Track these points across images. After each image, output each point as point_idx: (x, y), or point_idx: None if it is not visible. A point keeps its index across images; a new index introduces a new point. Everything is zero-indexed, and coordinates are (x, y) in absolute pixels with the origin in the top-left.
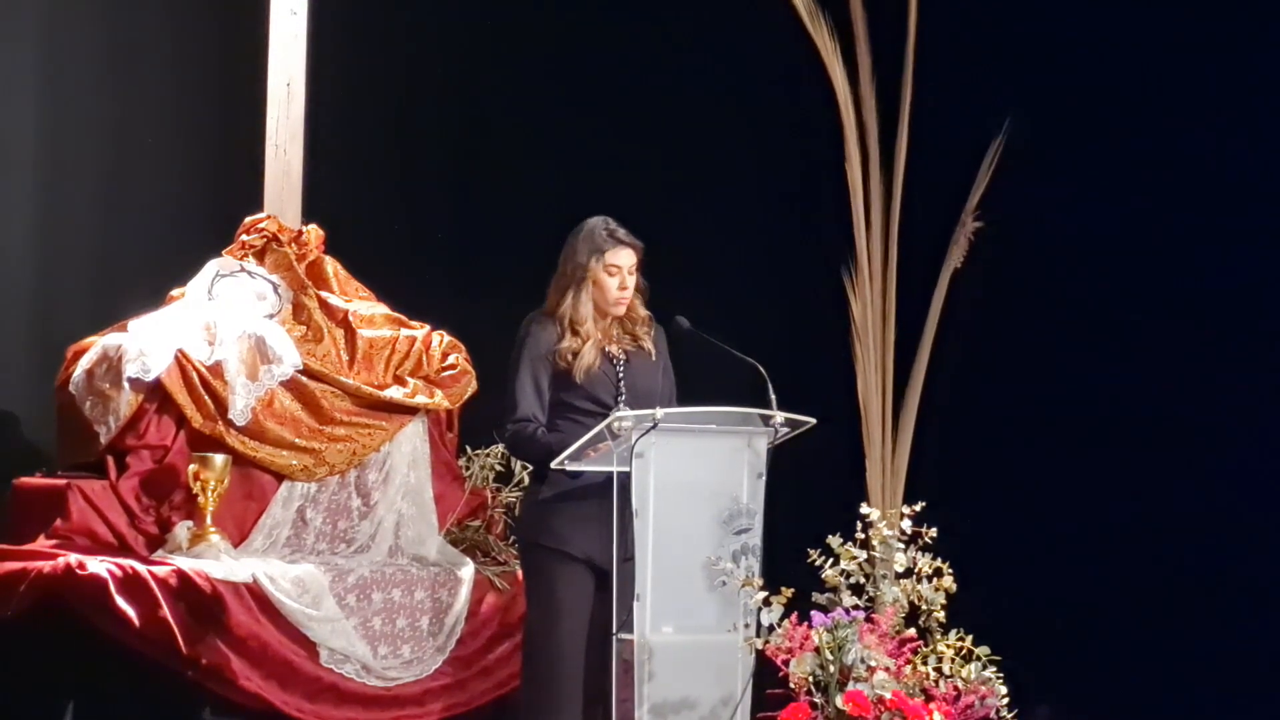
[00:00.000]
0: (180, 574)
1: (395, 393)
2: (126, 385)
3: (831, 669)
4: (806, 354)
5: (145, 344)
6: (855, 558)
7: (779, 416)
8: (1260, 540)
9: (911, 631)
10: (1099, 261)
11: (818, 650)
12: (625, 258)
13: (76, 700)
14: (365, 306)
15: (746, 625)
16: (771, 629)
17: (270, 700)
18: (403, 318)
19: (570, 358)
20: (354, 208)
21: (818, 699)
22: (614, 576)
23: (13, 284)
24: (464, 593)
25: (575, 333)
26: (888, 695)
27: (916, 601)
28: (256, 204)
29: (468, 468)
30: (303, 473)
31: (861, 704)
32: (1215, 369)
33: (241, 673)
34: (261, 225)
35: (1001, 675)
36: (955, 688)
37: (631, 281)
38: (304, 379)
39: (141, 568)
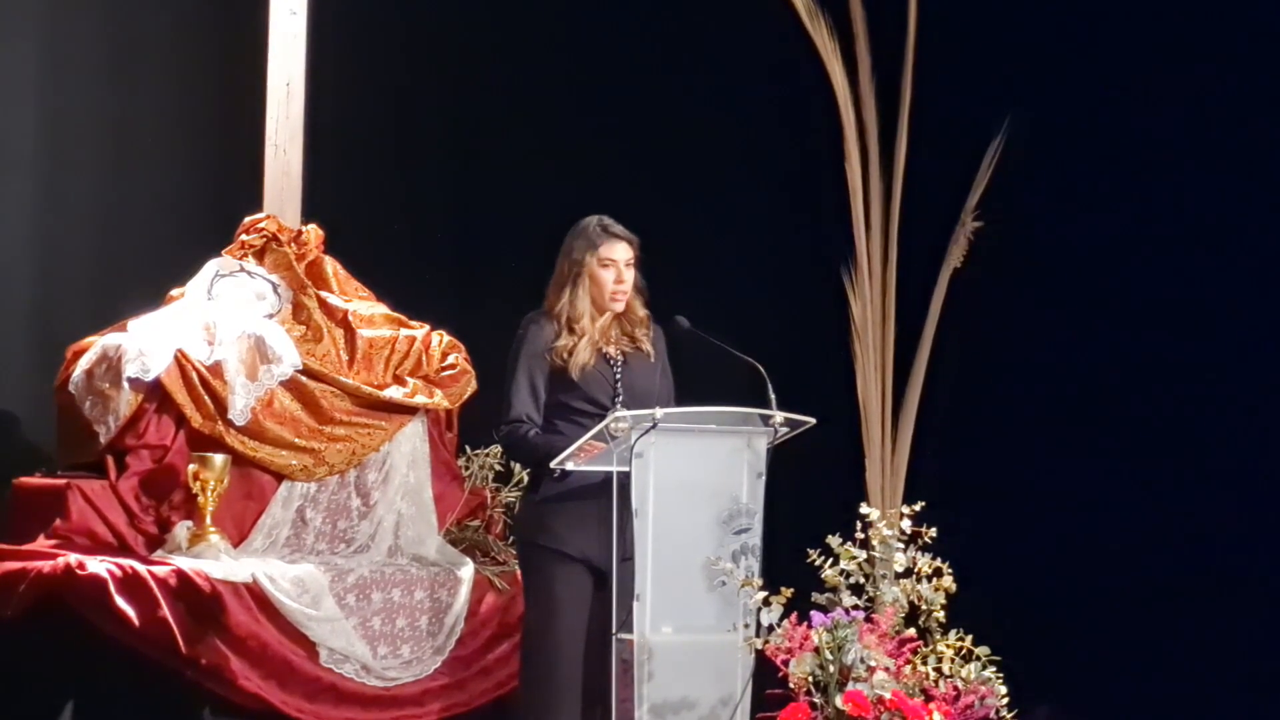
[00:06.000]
0: (180, 574)
1: (395, 393)
2: (126, 385)
3: (831, 669)
4: (806, 354)
5: (145, 344)
6: (855, 558)
7: (779, 416)
8: (1260, 540)
9: (911, 631)
10: (1099, 261)
11: (817, 650)
12: (620, 251)
13: (76, 700)
14: (365, 306)
15: (746, 625)
16: (771, 629)
17: (269, 700)
18: (402, 318)
19: (566, 355)
20: (354, 208)
21: (817, 699)
22: (613, 576)
23: (13, 284)
24: (463, 593)
25: (572, 330)
26: (887, 695)
27: (916, 601)
28: (256, 204)
29: (467, 467)
30: (302, 473)
31: (861, 704)
32: (1216, 368)
33: (241, 672)
34: (261, 225)
35: (1001, 675)
36: (955, 688)
37: (629, 276)
38: (303, 379)
39: (141, 568)
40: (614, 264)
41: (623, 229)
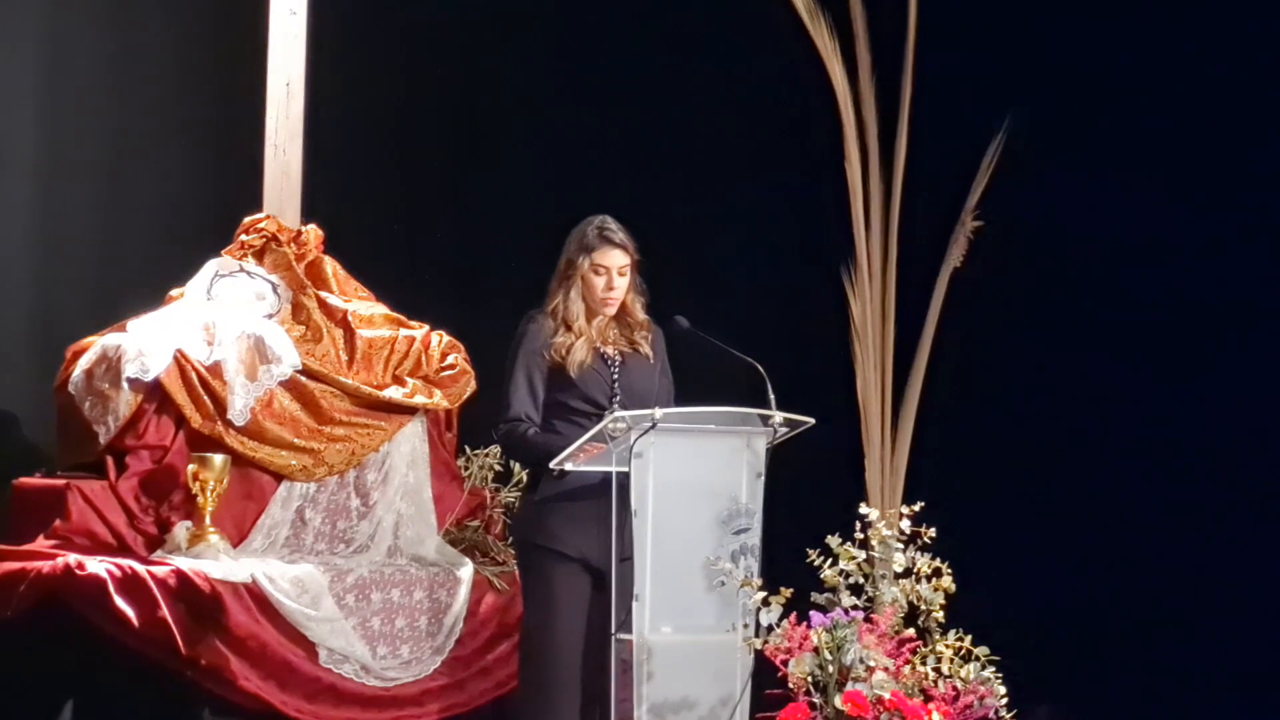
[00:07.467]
0: (179, 574)
1: (394, 393)
2: (125, 385)
3: (830, 669)
4: (806, 354)
5: (144, 344)
6: (854, 558)
7: (778, 416)
8: (1261, 541)
9: (910, 631)
10: (1099, 260)
11: (816, 650)
12: (613, 258)
13: (76, 700)
14: (364, 306)
15: (745, 625)
16: (770, 629)
17: (269, 700)
18: (402, 318)
19: (564, 353)
20: (354, 208)
21: (816, 699)
22: (612, 576)
23: (13, 284)
24: (463, 593)
25: (569, 328)
26: (886, 695)
27: (915, 601)
28: (256, 204)
29: (466, 468)
30: (302, 473)
31: (860, 704)
32: (1216, 369)
33: (240, 673)
34: (261, 225)
35: (1001, 675)
36: (954, 688)
37: (621, 283)
38: (303, 379)
39: (140, 568)
40: (606, 270)
41: (620, 235)
